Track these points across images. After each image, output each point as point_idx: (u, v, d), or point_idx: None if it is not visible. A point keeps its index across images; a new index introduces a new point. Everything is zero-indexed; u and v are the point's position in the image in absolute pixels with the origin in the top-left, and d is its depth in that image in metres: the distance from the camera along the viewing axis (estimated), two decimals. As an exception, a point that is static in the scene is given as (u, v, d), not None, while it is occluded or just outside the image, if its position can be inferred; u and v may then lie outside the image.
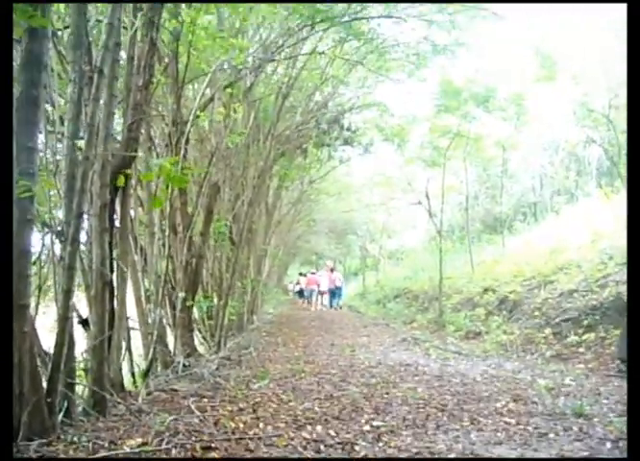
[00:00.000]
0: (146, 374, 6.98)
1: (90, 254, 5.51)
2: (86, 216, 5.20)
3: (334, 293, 27.30)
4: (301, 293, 30.53)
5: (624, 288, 9.04)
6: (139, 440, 4.26)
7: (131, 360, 7.69)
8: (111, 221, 5.65)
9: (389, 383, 7.18)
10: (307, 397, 6.35)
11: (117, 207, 6.36)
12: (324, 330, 16.29)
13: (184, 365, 8.14)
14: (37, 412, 4.02)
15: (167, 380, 7.45)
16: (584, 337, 9.02)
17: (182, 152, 7.93)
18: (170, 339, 9.24)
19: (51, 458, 2.70)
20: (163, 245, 8.83)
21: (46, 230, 5.42)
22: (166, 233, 8.84)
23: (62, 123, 5.79)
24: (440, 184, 18.30)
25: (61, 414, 4.53)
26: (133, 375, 7.69)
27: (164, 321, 8.83)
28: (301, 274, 33.29)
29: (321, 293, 27.29)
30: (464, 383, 7.04)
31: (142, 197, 9.57)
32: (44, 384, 4.26)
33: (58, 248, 5.04)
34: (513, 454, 4.15)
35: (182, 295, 8.87)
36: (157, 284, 8.31)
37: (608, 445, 4.27)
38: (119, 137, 6.77)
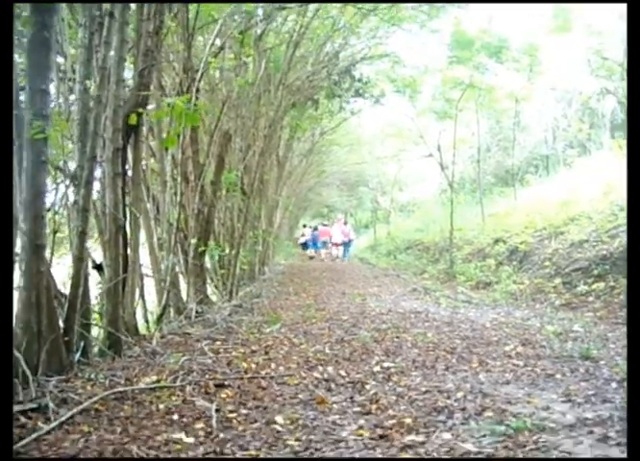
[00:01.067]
0: (159, 319, 7.10)
1: (104, 199, 5.57)
2: (98, 162, 5.25)
3: (346, 245, 27.45)
4: (305, 245, 30.68)
5: (634, 237, 9.03)
6: (154, 377, 4.37)
7: (144, 306, 7.82)
8: (124, 166, 5.69)
9: (399, 328, 7.26)
10: (319, 340, 6.45)
11: (129, 154, 6.42)
12: (335, 281, 16.41)
13: (196, 311, 8.26)
14: (55, 350, 4.12)
15: (180, 326, 7.57)
16: (594, 286, 9.06)
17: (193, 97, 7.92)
18: (183, 286, 9.35)
19: (51, 458, 2.79)
20: (175, 193, 8.88)
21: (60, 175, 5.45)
22: (178, 182, 8.90)
23: (74, 71, 5.81)
24: (452, 137, 18.17)
25: (78, 353, 4.65)
26: (146, 320, 7.82)
27: (177, 268, 8.93)
28: (305, 226, 33.20)
29: (335, 244, 27.51)
30: (473, 329, 7.11)
31: (154, 147, 9.60)
32: (61, 324, 4.36)
33: (71, 193, 5.07)
34: (520, 393, 4.22)
35: (194, 241, 8.93)
36: (169, 232, 8.39)
37: (614, 385, 4.33)
38: (130, 84, 6.78)
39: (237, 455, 3.01)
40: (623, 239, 9.46)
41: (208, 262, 11.04)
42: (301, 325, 7.70)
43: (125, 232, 5.69)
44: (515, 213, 16.48)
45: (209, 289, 11.15)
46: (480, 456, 2.99)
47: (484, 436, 3.33)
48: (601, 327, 7.21)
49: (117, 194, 5.41)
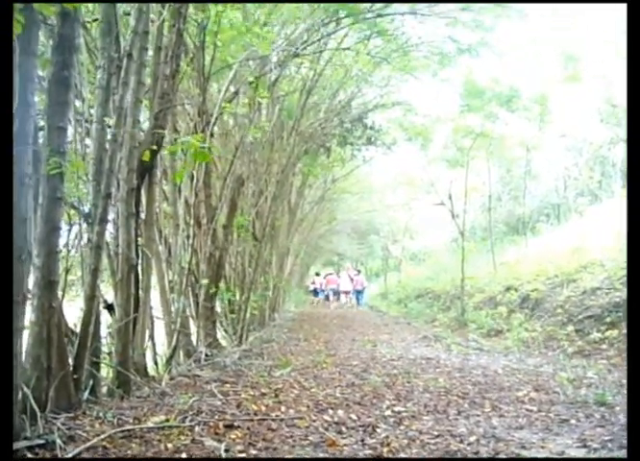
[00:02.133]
0: (169, 360, 7.06)
1: (117, 239, 5.60)
2: (112, 204, 5.29)
3: (359, 293, 28.48)
4: (315, 292, 31.78)
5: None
6: (163, 417, 4.33)
7: (154, 349, 7.77)
8: (138, 207, 5.73)
9: (410, 374, 7.18)
10: (329, 384, 6.39)
11: (143, 196, 6.47)
12: (345, 328, 16.34)
13: (206, 355, 8.22)
14: (64, 387, 4.10)
15: (190, 368, 7.53)
16: (607, 334, 8.95)
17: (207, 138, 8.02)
18: (193, 330, 9.32)
19: (52, 458, 2.75)
20: (187, 237, 8.93)
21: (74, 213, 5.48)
22: (190, 225, 8.96)
23: (90, 114, 5.91)
24: (463, 185, 18.24)
25: (87, 391, 4.61)
26: (155, 362, 7.77)
27: (187, 311, 8.91)
28: (317, 274, 34.11)
29: (343, 293, 28.86)
30: (485, 375, 7.04)
31: (167, 190, 9.67)
32: (71, 361, 4.34)
33: (85, 232, 5.11)
34: (534, 438, 4.15)
35: (204, 282, 8.94)
36: (180, 275, 8.39)
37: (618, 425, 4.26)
38: (145, 127, 6.86)
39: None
40: (636, 287, 9.37)
41: (218, 306, 11.01)
42: (311, 369, 7.64)
43: (137, 273, 5.71)
44: (526, 261, 16.40)
45: (219, 333, 11.10)
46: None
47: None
48: (615, 375, 7.10)
49: (130, 234, 5.44)
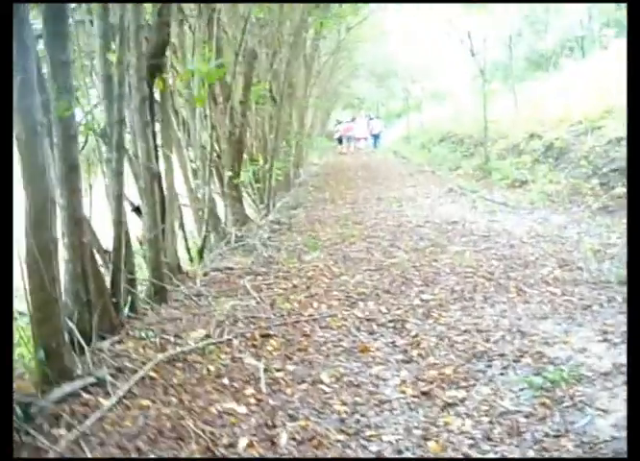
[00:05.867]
0: (201, 252, 7.24)
1: (135, 145, 5.60)
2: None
3: (376, 137, 31.85)
4: (340, 140, 32.77)
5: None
6: (202, 331, 4.54)
7: (185, 237, 7.94)
8: (152, 114, 5.67)
9: (437, 246, 7.35)
10: (358, 268, 6.57)
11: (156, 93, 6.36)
12: (370, 181, 16.48)
13: (236, 236, 8.41)
14: (106, 313, 4.29)
15: (222, 253, 7.76)
16: (632, 188, 8.94)
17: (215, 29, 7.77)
18: (220, 207, 9.48)
19: (53, 459, 2.94)
20: (205, 117, 8.85)
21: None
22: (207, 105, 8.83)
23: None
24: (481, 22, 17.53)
25: (127, 309, 4.82)
26: (188, 251, 7.97)
27: (213, 192, 9.00)
28: (338, 122, 34.51)
29: (358, 139, 31.34)
30: (511, 245, 7.15)
31: (179, 68, 9.43)
32: (108, 285, 4.51)
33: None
34: (557, 331, 4.32)
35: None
36: (202, 158, 8.42)
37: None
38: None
39: (288, 426, 3.18)
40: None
41: (243, 176, 11.08)
42: (340, 246, 7.82)
43: (160, 180, 5.74)
44: (549, 101, 15.96)
45: (246, 203, 11.27)
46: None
47: (522, 390, 3.45)
48: (639, 236, 7.19)
49: (149, 143, 5.41)
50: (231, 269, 6.63)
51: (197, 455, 2.86)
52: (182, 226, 7.88)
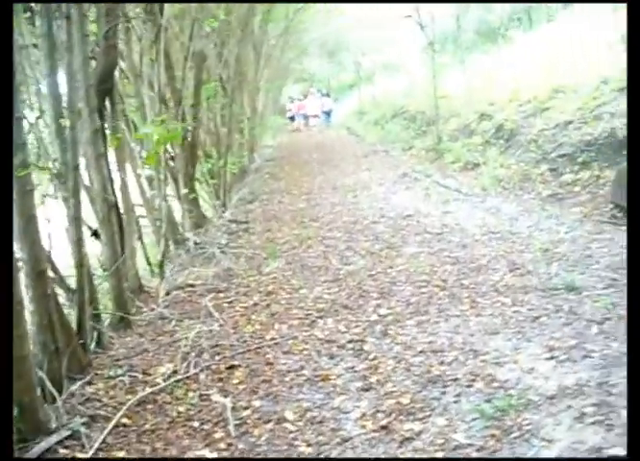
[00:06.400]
0: (161, 265, 7.33)
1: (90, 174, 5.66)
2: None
3: (327, 114, 32.50)
4: (292, 118, 34.04)
5: (617, 122, 9.13)
6: (169, 365, 4.69)
7: (144, 248, 8.02)
8: (105, 143, 5.71)
9: (392, 249, 7.56)
10: (316, 279, 6.74)
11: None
12: (325, 165, 16.65)
13: (195, 243, 8.52)
14: (74, 356, 4.41)
15: (182, 263, 7.88)
16: (579, 175, 9.23)
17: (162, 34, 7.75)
18: (177, 211, 9.55)
19: (53, 459, 3.07)
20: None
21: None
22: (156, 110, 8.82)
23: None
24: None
25: (93, 345, 4.94)
26: (148, 261, 8.06)
27: (169, 196, 9.05)
28: (291, 100, 35.42)
29: (312, 116, 32.34)
30: (464, 245, 7.36)
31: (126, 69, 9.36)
32: (74, 326, 4.62)
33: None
34: (508, 347, 4.55)
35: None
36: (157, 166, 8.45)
37: (594, 329, 4.64)
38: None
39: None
40: (607, 123, 9.53)
41: (198, 172, 11.12)
42: (297, 250, 7.99)
43: (118, 209, 5.81)
44: (500, 76, 16.09)
45: (203, 200, 11.35)
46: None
47: (475, 420, 3.67)
48: (586, 228, 7.47)
49: (104, 174, 5.49)
50: (192, 286, 6.77)
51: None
52: (140, 237, 7.96)
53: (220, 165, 11.72)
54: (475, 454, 3.36)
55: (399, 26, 27.82)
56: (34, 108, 6.00)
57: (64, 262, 6.00)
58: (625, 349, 4.01)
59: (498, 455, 3.31)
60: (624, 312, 4.85)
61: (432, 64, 16.68)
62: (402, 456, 3.43)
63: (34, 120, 5.50)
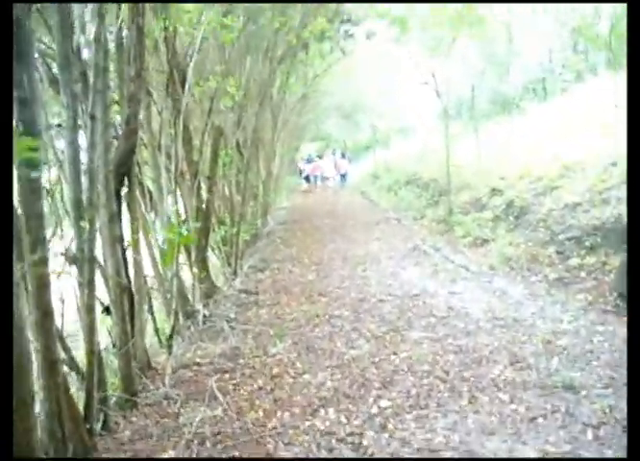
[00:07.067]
0: (170, 342, 7.45)
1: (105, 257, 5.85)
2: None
3: (343, 176, 32.68)
4: (307, 178, 34.29)
5: (624, 209, 9.29)
6: (172, 453, 4.80)
7: (154, 320, 8.15)
8: (121, 230, 5.91)
9: (397, 332, 7.67)
10: (320, 363, 6.82)
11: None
12: (337, 233, 16.83)
13: (204, 316, 8.67)
14: (80, 442, 4.51)
15: (190, 336, 8.02)
16: (586, 260, 9.36)
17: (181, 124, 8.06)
18: (188, 279, 9.71)
19: (55, 458, 3.14)
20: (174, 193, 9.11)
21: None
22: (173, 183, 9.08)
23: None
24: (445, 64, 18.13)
25: (99, 427, 5.06)
26: (157, 333, 8.18)
27: (180, 264, 9.22)
28: (307, 161, 35.51)
29: (327, 178, 32.65)
30: (468, 332, 7.47)
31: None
32: (81, 410, 4.74)
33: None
34: (503, 449, 4.64)
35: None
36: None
37: (589, 435, 4.72)
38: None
39: None
40: (614, 208, 9.70)
41: (211, 239, 11.32)
42: (304, 329, 8.10)
43: (131, 292, 5.99)
44: (512, 148, 16.34)
45: (213, 266, 11.51)
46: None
47: None
48: (589, 318, 7.59)
49: (118, 259, 5.68)
50: (199, 365, 6.88)
51: None
52: (151, 308, 8.10)
53: (233, 232, 11.93)
54: None
55: (416, 92, 28.50)
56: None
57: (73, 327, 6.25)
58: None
59: None
60: (620, 416, 4.97)
61: (446, 131, 16.99)
62: None
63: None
